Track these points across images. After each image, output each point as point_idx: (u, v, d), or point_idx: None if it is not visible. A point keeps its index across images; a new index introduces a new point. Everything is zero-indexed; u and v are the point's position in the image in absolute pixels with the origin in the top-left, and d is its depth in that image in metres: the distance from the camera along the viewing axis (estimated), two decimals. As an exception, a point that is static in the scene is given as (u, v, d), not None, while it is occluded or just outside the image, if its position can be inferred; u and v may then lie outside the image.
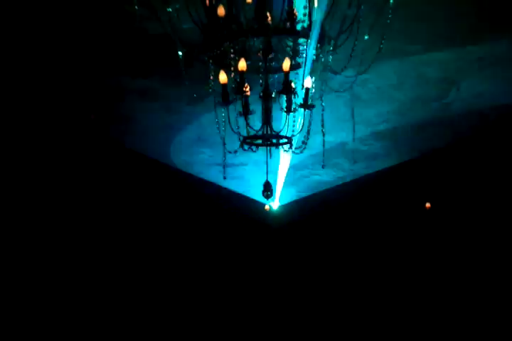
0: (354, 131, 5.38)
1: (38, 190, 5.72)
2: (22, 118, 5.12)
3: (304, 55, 2.31)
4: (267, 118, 2.28)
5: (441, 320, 5.89)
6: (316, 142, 2.99)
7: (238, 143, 2.47)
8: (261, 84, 2.30)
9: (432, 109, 5.39)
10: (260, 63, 2.29)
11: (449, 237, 7.13)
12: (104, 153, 5.98)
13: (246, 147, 2.49)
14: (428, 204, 7.71)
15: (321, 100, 2.52)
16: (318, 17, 2.20)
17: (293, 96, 2.26)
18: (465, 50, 4.14)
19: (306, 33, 2.21)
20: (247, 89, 2.28)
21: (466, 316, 5.82)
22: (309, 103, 2.34)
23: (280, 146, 2.43)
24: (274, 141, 2.39)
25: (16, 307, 5.26)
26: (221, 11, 2.23)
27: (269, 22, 2.19)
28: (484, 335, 5.37)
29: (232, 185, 7.46)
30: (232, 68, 2.30)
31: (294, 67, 2.32)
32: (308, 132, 2.36)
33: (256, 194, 7.48)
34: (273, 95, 2.29)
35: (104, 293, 5.90)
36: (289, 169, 7.09)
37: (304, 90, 2.30)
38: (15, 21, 3.58)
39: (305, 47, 2.29)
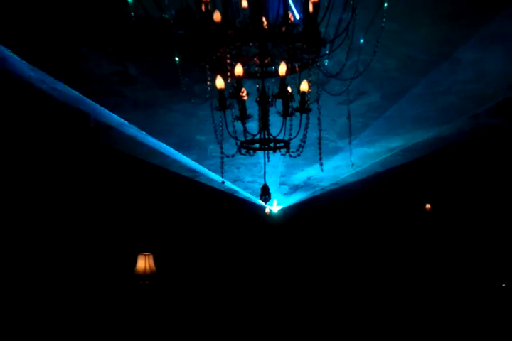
0: (350, 133, 5.40)
1: (35, 196, 5.71)
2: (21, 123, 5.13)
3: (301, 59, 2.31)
4: (264, 123, 2.29)
5: (441, 319, 5.88)
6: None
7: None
8: (258, 89, 2.30)
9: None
10: (257, 68, 2.30)
11: (450, 238, 7.13)
12: (102, 160, 5.98)
13: (243, 151, 2.50)
14: (428, 206, 7.70)
15: (318, 103, 2.53)
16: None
17: (289, 100, 2.27)
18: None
19: (301, 37, 2.21)
20: (244, 93, 2.28)
21: (466, 315, 5.82)
22: (306, 107, 2.35)
23: (277, 150, 2.44)
24: (272, 145, 2.40)
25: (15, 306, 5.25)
26: (217, 16, 2.23)
27: (265, 27, 2.20)
28: (484, 335, 5.37)
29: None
30: (228, 73, 2.30)
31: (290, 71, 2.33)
32: (304, 136, 2.37)
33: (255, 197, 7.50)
34: (269, 99, 2.29)
35: (105, 290, 5.91)
36: (288, 172, 7.08)
37: (300, 94, 2.31)
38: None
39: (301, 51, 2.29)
